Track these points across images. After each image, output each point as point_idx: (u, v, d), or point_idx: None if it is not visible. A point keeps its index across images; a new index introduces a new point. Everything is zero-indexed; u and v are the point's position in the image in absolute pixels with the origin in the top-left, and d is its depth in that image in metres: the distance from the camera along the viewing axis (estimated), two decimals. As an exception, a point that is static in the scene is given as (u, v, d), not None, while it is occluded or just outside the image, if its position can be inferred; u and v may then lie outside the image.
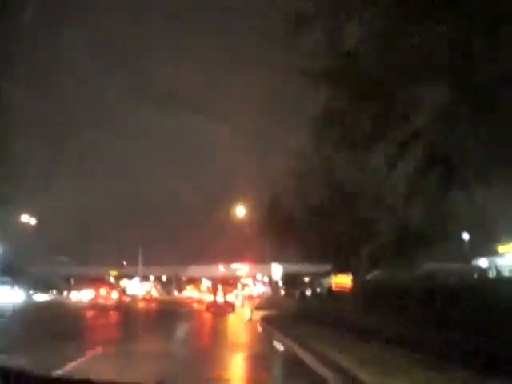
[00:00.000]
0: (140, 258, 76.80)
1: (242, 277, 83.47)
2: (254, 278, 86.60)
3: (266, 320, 22.00)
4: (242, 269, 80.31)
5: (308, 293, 44.19)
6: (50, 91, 64.34)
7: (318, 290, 42.08)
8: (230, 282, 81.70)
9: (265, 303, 40.51)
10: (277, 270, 50.69)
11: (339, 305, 26.82)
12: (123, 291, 73.73)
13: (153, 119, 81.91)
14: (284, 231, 20.71)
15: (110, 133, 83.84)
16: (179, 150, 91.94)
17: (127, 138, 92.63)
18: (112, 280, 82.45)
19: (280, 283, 56.69)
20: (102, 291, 55.42)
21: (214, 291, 38.70)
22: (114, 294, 62.44)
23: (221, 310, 31.63)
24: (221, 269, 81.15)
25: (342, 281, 48.09)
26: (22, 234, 61.30)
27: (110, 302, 41.98)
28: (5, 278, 51.10)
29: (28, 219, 60.34)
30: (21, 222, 60.02)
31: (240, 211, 38.76)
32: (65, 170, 77.63)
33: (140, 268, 77.75)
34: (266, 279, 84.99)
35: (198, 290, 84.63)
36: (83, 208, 74.39)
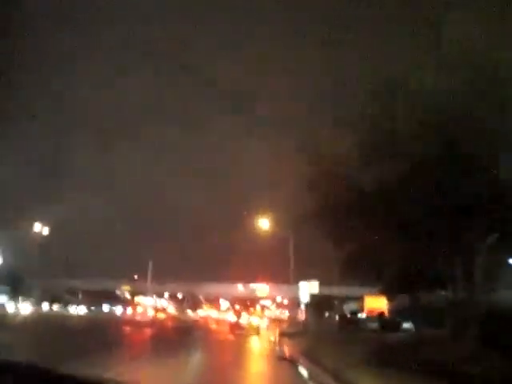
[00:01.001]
0: (150, 273, 70.67)
1: (261, 298, 76.80)
2: (274, 300, 79.76)
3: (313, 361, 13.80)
4: (261, 289, 73.75)
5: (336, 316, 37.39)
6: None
7: (359, 314, 35.31)
8: (247, 303, 75.29)
9: (294, 328, 33.68)
10: (306, 290, 43.71)
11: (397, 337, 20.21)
12: (157, 309, 69.44)
13: (172, 134, 77.73)
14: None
15: (124, 145, 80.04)
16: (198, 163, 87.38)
17: (142, 151, 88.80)
18: (128, 296, 76.64)
19: (302, 306, 50.16)
20: (139, 309, 52.74)
21: (238, 312, 35.99)
22: (150, 312, 59.76)
23: (245, 332, 29.72)
24: (239, 288, 74.91)
25: (376, 304, 41.38)
26: (33, 244, 57.78)
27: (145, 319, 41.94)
28: (2, 288, 46.39)
29: (41, 229, 56.35)
30: (32, 232, 56.36)
31: (264, 223, 34.52)
32: (79, 182, 74.18)
33: (149, 283, 71.43)
34: (286, 301, 78.19)
35: (217, 309, 78.16)
36: (95, 220, 70.08)
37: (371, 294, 38.57)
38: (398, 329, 26.73)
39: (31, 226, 55.84)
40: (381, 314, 31.91)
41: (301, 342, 21.20)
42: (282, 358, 14.65)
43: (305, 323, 34.08)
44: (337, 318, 35.07)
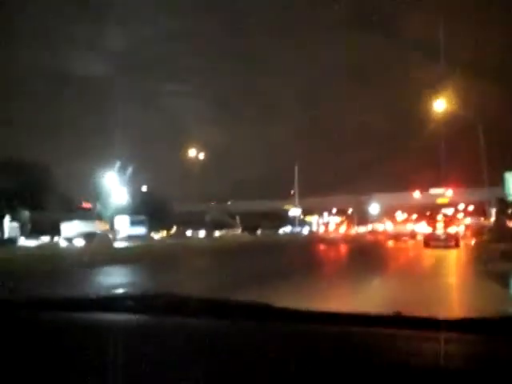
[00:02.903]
0: (296, 185, 64.13)
1: (441, 205, 65.06)
2: (456, 207, 67.16)
3: None
4: (443, 194, 61.70)
5: None
6: None
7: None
8: (429, 213, 64.58)
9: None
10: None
11: None
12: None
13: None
14: None
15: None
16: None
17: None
18: (296, 214, 72.45)
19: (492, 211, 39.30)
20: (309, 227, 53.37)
21: (432, 222, 31.01)
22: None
23: (444, 245, 27.07)
24: (415, 196, 64.83)
25: None
26: (187, 170, 56.63)
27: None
28: (140, 218, 42.61)
29: (196, 154, 53.88)
30: (188, 157, 54.26)
31: (441, 105, 28.28)
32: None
33: (296, 199, 65.17)
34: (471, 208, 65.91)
35: (395, 222, 68.79)
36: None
37: None
38: None
39: (188, 151, 54.63)
40: None
41: None
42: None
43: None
44: None
